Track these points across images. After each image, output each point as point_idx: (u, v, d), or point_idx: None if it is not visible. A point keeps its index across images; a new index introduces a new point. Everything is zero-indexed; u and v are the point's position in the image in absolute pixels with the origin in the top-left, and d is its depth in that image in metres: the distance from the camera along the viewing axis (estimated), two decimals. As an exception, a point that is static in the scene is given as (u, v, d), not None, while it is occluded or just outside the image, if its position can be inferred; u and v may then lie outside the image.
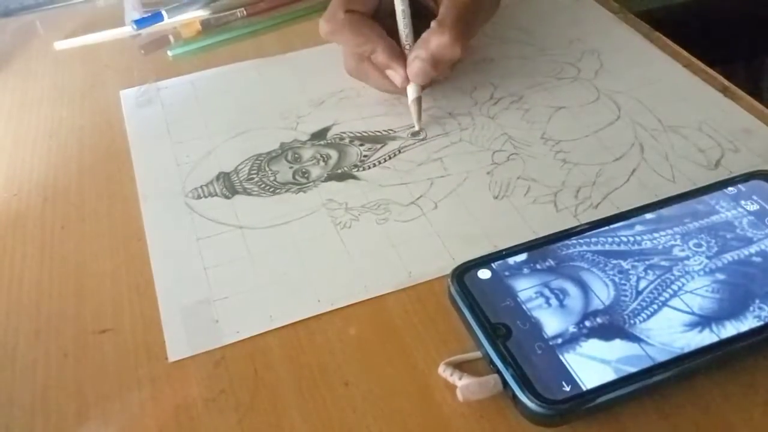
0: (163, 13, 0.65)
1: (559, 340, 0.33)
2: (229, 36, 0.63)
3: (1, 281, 0.42)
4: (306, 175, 0.47)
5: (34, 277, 0.42)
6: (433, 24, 0.47)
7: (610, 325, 0.33)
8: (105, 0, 0.71)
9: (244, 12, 0.66)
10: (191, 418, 0.34)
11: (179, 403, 0.35)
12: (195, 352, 0.37)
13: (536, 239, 0.38)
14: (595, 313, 0.34)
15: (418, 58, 0.47)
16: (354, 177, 0.47)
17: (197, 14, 0.66)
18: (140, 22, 0.65)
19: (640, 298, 0.34)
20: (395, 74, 0.49)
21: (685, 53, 0.55)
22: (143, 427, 0.34)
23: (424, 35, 0.48)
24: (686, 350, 0.32)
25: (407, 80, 0.49)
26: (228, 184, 0.47)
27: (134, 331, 0.38)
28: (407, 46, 0.49)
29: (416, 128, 0.50)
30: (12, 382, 0.36)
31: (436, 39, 0.47)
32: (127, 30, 0.64)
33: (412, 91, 0.49)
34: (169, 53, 0.61)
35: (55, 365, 0.37)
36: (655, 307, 0.34)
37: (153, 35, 0.64)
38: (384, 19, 0.49)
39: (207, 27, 0.64)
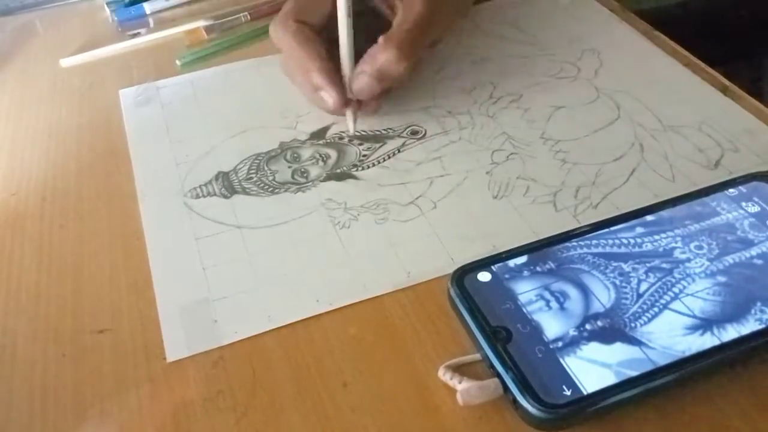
0: (145, 6, 0.65)
1: (560, 344, 0.33)
2: (236, 40, 0.62)
3: (-1, 281, 0.42)
4: (305, 175, 0.47)
5: (32, 277, 0.42)
6: (380, 39, 0.46)
7: (611, 328, 0.33)
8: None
9: (248, 16, 0.65)
10: (189, 418, 0.34)
11: (177, 404, 0.34)
12: (193, 352, 0.37)
13: (536, 241, 0.38)
14: (596, 316, 0.34)
15: (364, 72, 0.47)
16: (353, 176, 0.47)
17: (200, 22, 0.65)
18: (124, 20, 0.66)
19: (641, 300, 0.34)
20: (328, 97, 0.47)
21: (685, 52, 0.54)
22: (141, 427, 0.34)
23: (370, 50, 0.47)
24: (687, 353, 0.32)
25: (340, 106, 0.47)
26: (227, 184, 0.47)
27: (132, 331, 0.38)
28: (347, 61, 0.47)
29: (351, 132, 0.49)
30: (10, 382, 0.36)
31: (383, 55, 0.46)
32: (130, 43, 0.64)
33: (349, 113, 0.48)
34: (178, 62, 0.60)
35: (54, 365, 0.37)
36: (656, 309, 0.34)
37: (157, 39, 0.64)
38: (334, 31, 0.47)
39: (211, 33, 0.64)
